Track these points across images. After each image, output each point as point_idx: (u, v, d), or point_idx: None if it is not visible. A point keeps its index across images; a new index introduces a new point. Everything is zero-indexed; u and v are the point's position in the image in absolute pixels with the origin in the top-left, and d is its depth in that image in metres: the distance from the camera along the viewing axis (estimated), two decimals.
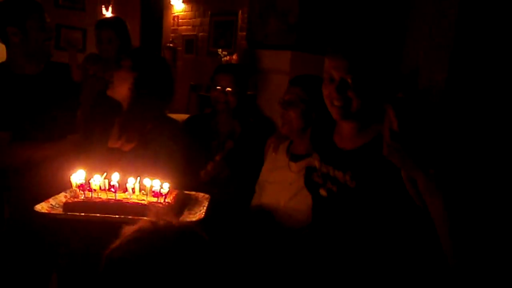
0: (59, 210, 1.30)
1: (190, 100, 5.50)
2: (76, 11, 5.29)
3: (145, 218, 1.26)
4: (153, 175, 1.40)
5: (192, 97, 5.45)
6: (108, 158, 1.65)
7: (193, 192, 1.55)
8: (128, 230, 0.73)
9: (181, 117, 4.55)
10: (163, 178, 1.40)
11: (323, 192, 1.38)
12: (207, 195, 1.54)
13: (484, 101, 1.90)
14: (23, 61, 1.87)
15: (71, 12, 5.55)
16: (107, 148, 1.72)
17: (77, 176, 1.33)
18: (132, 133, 1.72)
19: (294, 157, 1.77)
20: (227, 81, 2.02)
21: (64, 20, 5.33)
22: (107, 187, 1.34)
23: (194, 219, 1.36)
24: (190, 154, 1.86)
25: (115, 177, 1.35)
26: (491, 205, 1.33)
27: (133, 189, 1.35)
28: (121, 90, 1.70)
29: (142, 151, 1.69)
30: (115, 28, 2.57)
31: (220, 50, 4.75)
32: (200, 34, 5.68)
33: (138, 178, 1.38)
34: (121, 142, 1.72)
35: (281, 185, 1.76)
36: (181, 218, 1.35)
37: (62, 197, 1.37)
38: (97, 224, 1.29)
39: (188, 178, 1.73)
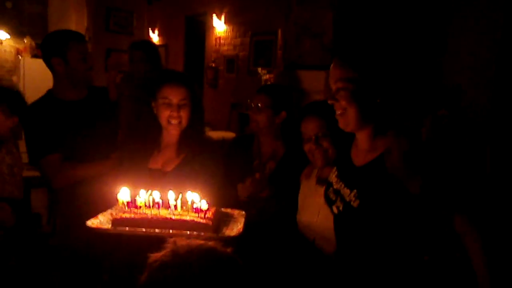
0: (108, 226, 1.40)
1: (231, 118, 5.64)
2: (125, 35, 5.61)
3: (187, 232, 1.35)
4: (200, 194, 1.45)
5: (233, 115, 5.58)
6: (149, 179, 1.71)
7: (228, 210, 1.60)
8: (153, 257, 0.77)
9: (221, 134, 4.67)
10: (203, 196, 1.45)
11: (334, 210, 1.38)
12: (242, 212, 1.57)
13: None
14: (67, 88, 2.01)
15: (120, 36, 5.88)
16: (148, 169, 1.79)
17: (123, 193, 1.43)
18: (174, 154, 1.80)
19: (321, 181, 1.74)
20: (259, 100, 2.04)
21: (114, 44, 5.66)
22: (151, 204, 1.42)
23: (233, 234, 1.41)
24: (231, 174, 1.90)
25: (158, 195, 1.43)
26: None
27: (175, 205, 1.43)
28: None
29: (183, 172, 1.74)
30: (146, 49, 2.78)
31: (259, 69, 4.86)
32: (241, 53, 5.83)
33: (180, 195, 1.45)
34: (162, 162, 1.79)
35: (314, 209, 1.75)
36: (220, 234, 1.41)
37: (109, 214, 1.46)
38: (142, 239, 1.37)
39: (228, 198, 1.77)
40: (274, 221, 1.90)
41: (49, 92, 2.05)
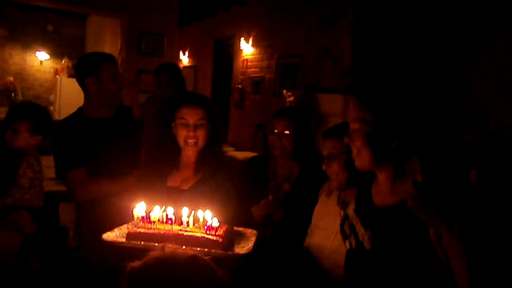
0: (123, 239, 1.45)
1: (256, 139, 5.69)
2: (155, 57, 5.80)
3: (198, 249, 1.39)
4: (212, 212, 1.48)
5: (258, 135, 5.64)
6: (167, 196, 1.74)
7: (241, 228, 1.62)
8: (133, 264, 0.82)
9: (246, 155, 4.71)
10: (218, 216, 1.47)
11: (347, 245, 1.36)
12: (254, 231, 1.59)
13: None
14: (97, 107, 2.11)
15: (151, 58, 6.09)
16: (167, 187, 1.84)
17: (139, 208, 1.48)
18: (192, 173, 1.84)
19: (343, 206, 1.70)
20: (283, 125, 2.05)
21: (145, 66, 5.86)
22: (164, 220, 1.47)
23: (242, 252, 1.44)
24: (246, 195, 1.92)
25: (171, 211, 1.48)
26: None
27: (187, 222, 1.47)
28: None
29: (199, 190, 1.79)
30: (172, 72, 2.90)
31: (284, 91, 4.92)
32: (267, 76, 5.92)
33: (192, 212, 1.49)
34: (180, 181, 1.85)
35: (329, 232, 1.74)
36: (229, 252, 1.44)
37: (125, 228, 1.51)
38: None
39: (243, 218, 1.77)
40: (286, 242, 1.91)
41: (79, 110, 2.15)
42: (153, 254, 0.83)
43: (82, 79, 2.08)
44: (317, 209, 1.89)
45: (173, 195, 1.79)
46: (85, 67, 2.09)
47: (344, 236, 1.39)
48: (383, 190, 1.29)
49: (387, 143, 1.20)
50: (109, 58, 2.15)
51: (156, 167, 1.90)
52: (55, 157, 2.04)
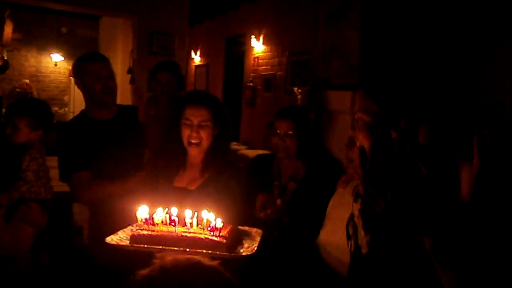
0: (126, 242, 1.45)
1: (267, 137, 5.67)
2: (167, 56, 5.82)
3: (201, 251, 1.37)
4: (215, 213, 1.47)
5: (270, 133, 5.61)
6: (174, 197, 1.74)
7: (246, 228, 1.61)
8: (140, 274, 0.79)
9: (257, 153, 4.69)
10: (224, 216, 1.46)
11: (349, 246, 1.33)
12: (259, 230, 1.58)
13: None
14: (94, 108, 2.09)
15: (163, 58, 6.11)
16: (173, 187, 1.83)
17: (142, 211, 1.48)
18: (198, 173, 1.83)
19: (357, 198, 1.71)
20: (286, 126, 2.01)
21: None
22: (168, 222, 1.46)
23: (245, 254, 1.42)
24: (252, 194, 1.89)
25: (175, 212, 1.47)
26: None
27: (191, 223, 1.46)
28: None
29: (206, 191, 1.78)
30: (172, 70, 2.84)
31: (296, 88, 4.88)
32: (278, 73, 5.89)
33: (196, 213, 1.48)
34: (187, 181, 1.84)
35: (338, 225, 1.69)
36: (233, 253, 1.42)
37: (129, 231, 1.51)
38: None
39: (247, 218, 1.75)
40: (293, 242, 1.89)
41: (82, 112, 2.15)
42: (157, 263, 0.81)
43: (74, 81, 2.10)
44: (333, 200, 1.85)
45: (180, 195, 1.78)
46: (72, 69, 2.10)
47: (348, 236, 1.36)
48: None
49: (387, 135, 1.16)
50: (93, 56, 2.12)
51: (163, 168, 1.89)
52: (59, 160, 2.04)
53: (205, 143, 1.81)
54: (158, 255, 0.84)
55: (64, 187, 2.51)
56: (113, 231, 1.49)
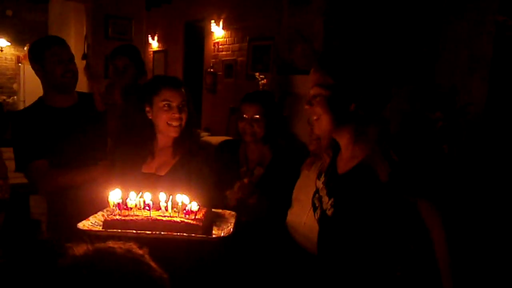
0: (99, 228, 1.42)
1: (229, 123, 5.67)
2: (124, 42, 5.63)
3: (178, 234, 1.37)
4: (189, 196, 1.48)
5: (232, 120, 5.61)
6: (143, 183, 1.71)
7: (220, 210, 1.62)
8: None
9: (220, 139, 4.68)
10: (193, 199, 1.47)
11: (315, 216, 1.38)
12: (233, 212, 1.60)
13: None
14: (53, 94, 2.01)
15: (120, 43, 5.91)
16: (142, 173, 1.81)
17: (114, 195, 1.45)
18: (169, 157, 1.82)
19: (320, 175, 1.76)
20: (253, 110, 2.01)
21: None
22: (142, 206, 1.45)
23: (223, 235, 1.44)
24: (220, 179, 1.89)
25: (148, 196, 1.46)
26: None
27: (166, 207, 1.45)
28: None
29: (176, 175, 1.77)
30: (130, 55, 2.61)
31: (257, 74, 4.89)
32: (239, 59, 5.88)
33: (170, 197, 1.47)
34: (156, 167, 1.82)
35: (304, 205, 1.74)
36: (210, 235, 1.43)
37: (100, 216, 1.48)
38: (133, 241, 1.39)
39: (218, 202, 1.76)
40: (263, 223, 1.91)
41: (39, 99, 2.06)
42: (80, 249, 0.77)
43: (32, 66, 2.00)
44: (298, 183, 1.89)
45: (150, 181, 1.76)
46: (30, 54, 2.01)
47: (314, 208, 1.41)
48: (344, 156, 1.31)
49: (345, 106, 1.21)
50: (53, 39, 2.04)
51: (129, 155, 1.86)
52: (14, 149, 1.94)
53: (184, 124, 1.80)
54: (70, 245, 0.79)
55: (20, 179, 2.41)
56: (78, 219, 1.45)
